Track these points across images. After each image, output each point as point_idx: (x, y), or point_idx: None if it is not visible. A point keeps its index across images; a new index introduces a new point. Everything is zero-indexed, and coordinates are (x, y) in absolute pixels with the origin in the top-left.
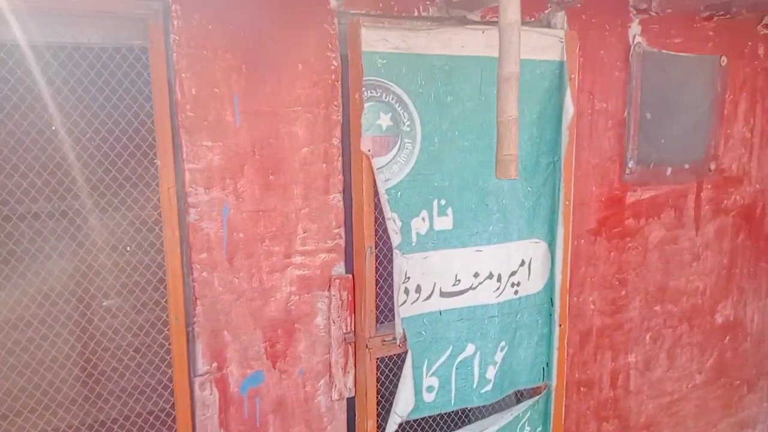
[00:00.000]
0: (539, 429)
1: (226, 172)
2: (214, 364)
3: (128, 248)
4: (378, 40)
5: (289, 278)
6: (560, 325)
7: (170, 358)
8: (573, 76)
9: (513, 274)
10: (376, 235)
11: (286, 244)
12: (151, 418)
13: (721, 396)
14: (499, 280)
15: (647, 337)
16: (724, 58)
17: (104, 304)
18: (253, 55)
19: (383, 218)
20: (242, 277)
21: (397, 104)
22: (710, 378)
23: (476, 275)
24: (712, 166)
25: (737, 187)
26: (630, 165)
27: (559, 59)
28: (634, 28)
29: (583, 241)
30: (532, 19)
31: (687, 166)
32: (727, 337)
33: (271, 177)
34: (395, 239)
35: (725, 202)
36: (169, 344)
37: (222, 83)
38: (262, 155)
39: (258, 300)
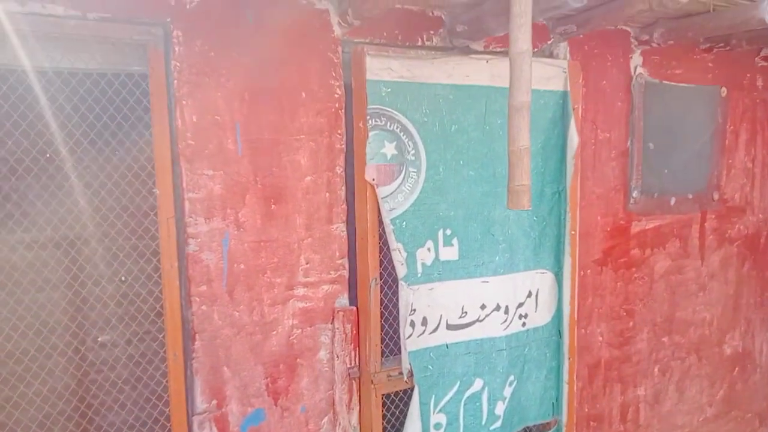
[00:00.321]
0: None
1: (227, 201)
2: (214, 402)
3: (123, 278)
4: (382, 69)
5: (292, 311)
6: (569, 358)
7: (167, 395)
8: (576, 106)
9: (520, 305)
10: (380, 266)
11: (288, 276)
12: None
13: (733, 429)
14: (506, 311)
15: (656, 370)
16: (724, 89)
17: (99, 339)
18: (256, 82)
19: (388, 249)
20: (243, 311)
21: (402, 133)
22: (721, 411)
23: (483, 307)
24: (716, 196)
25: (740, 217)
26: (634, 195)
27: (563, 89)
28: (636, 59)
29: (589, 271)
30: (535, 49)
31: (691, 196)
32: (736, 369)
33: (273, 206)
34: (401, 270)
35: (729, 231)
36: (167, 381)
37: (224, 111)
38: (264, 184)
39: (259, 334)
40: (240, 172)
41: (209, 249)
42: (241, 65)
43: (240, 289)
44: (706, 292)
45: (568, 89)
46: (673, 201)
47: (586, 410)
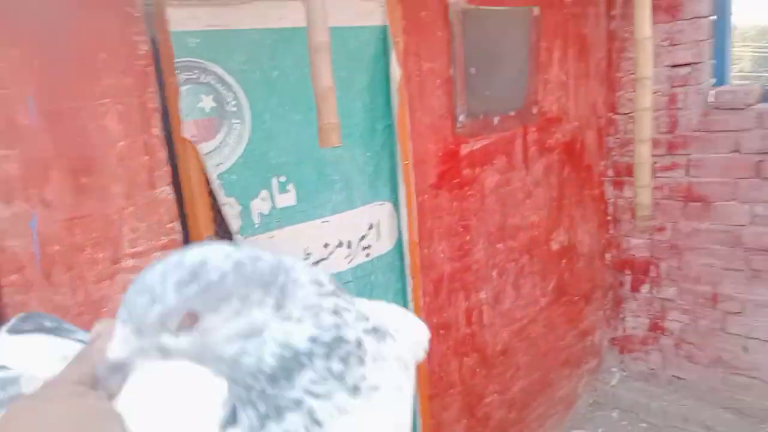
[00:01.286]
0: None
1: (28, 181)
2: None
3: None
4: (188, 19)
5: (121, 284)
6: (413, 278)
7: None
8: (397, 39)
9: (363, 238)
10: (216, 223)
11: (112, 249)
12: None
13: (565, 313)
14: (349, 246)
15: (494, 274)
16: (536, 9)
17: None
18: (46, 48)
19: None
20: (65, 293)
21: (219, 84)
22: (553, 299)
23: (326, 246)
24: (535, 110)
25: (558, 127)
26: (460, 119)
27: (383, 24)
28: None
29: (426, 196)
30: None
31: (513, 113)
32: (564, 261)
33: (83, 179)
34: (235, 224)
35: (549, 141)
36: None
37: (11, 84)
38: (69, 157)
39: (87, 314)
40: (39, 147)
41: (15, 235)
42: (25, 31)
43: (58, 271)
44: (533, 198)
45: (387, 23)
46: (496, 120)
47: (435, 320)
